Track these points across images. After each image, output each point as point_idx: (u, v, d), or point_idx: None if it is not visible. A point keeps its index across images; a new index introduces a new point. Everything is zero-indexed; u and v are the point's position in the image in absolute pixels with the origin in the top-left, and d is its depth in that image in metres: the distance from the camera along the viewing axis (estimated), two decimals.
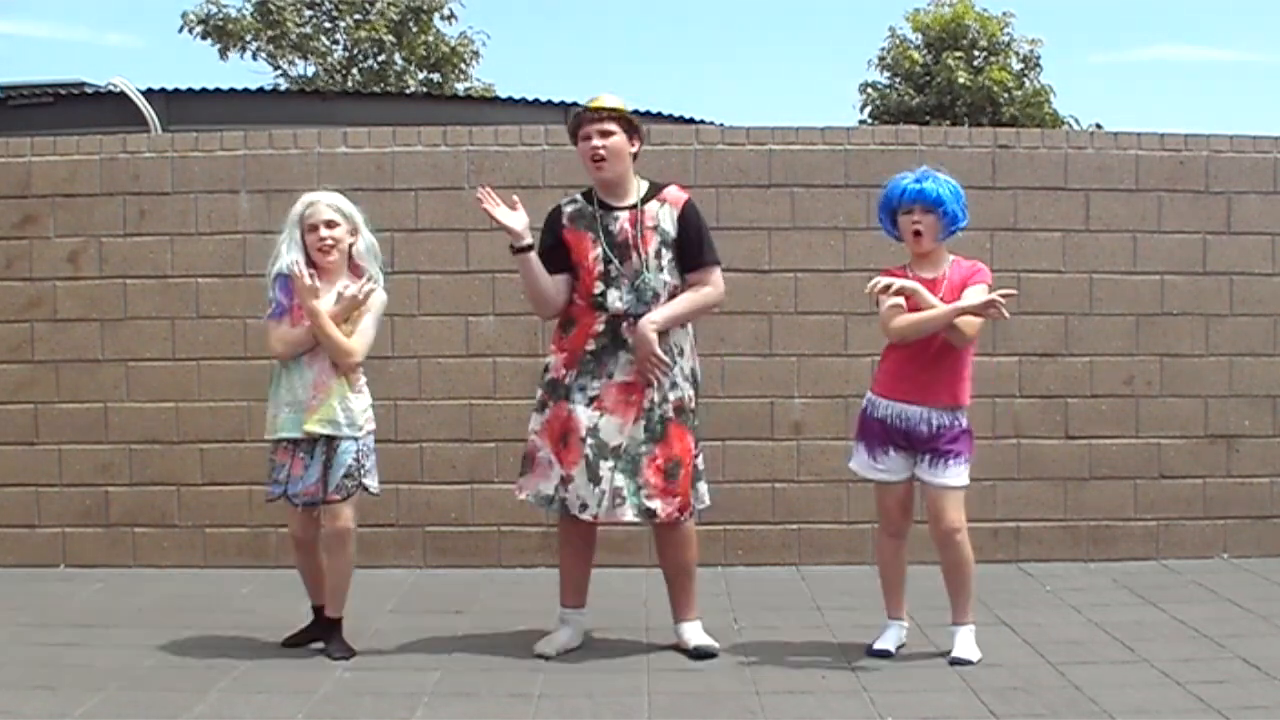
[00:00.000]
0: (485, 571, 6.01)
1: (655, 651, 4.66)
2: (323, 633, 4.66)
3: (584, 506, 4.51)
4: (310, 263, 4.52)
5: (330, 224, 4.52)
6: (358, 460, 4.52)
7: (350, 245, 4.57)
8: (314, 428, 4.47)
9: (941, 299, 4.38)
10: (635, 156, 4.61)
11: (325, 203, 4.55)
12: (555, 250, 4.58)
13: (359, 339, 4.52)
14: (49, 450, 6.11)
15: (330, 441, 4.50)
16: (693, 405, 4.59)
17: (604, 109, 4.55)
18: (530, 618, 5.07)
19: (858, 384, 5.95)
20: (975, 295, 4.36)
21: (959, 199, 4.47)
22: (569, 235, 4.58)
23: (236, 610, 5.29)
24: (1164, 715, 3.90)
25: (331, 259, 4.52)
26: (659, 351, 4.45)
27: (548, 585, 5.63)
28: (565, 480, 4.52)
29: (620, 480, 4.45)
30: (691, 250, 4.55)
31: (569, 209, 4.61)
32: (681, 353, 4.57)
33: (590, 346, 4.52)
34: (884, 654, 4.53)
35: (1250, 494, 6.20)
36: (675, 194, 4.62)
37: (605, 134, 4.52)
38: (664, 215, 4.56)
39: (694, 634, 4.64)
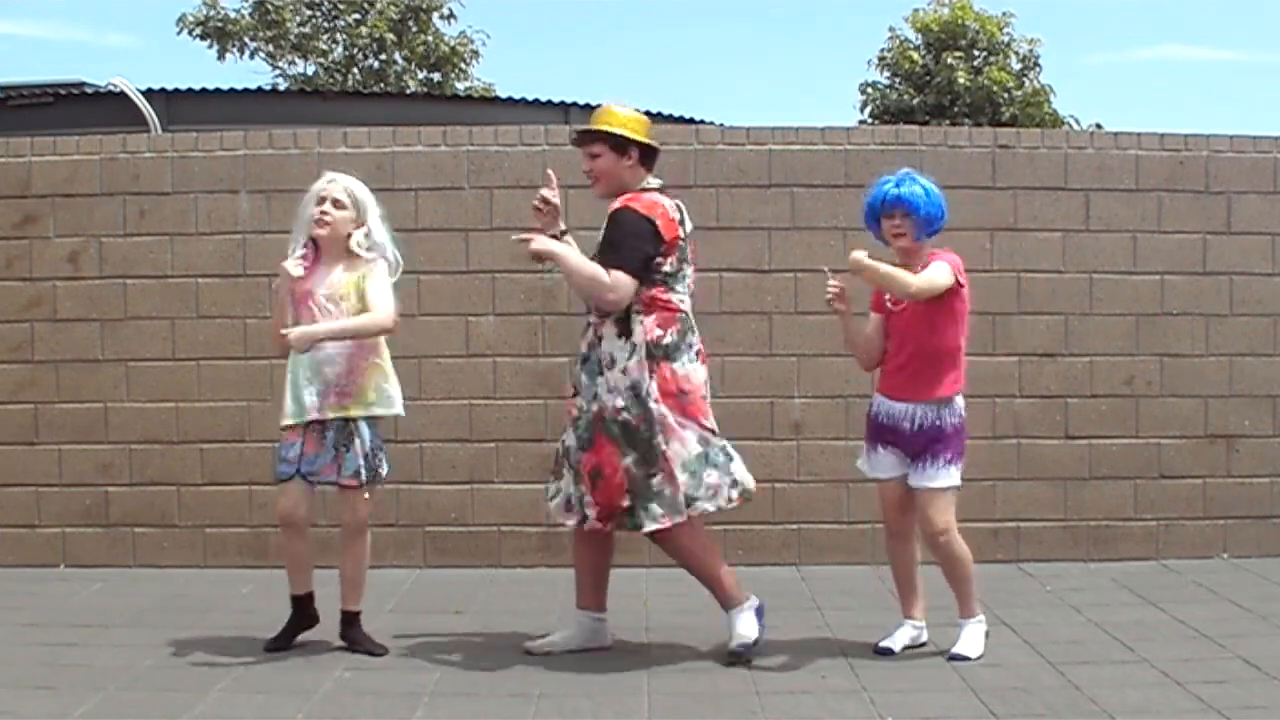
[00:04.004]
0: (485, 571, 6.01)
1: (655, 651, 4.66)
2: (343, 630, 4.66)
3: (549, 496, 4.75)
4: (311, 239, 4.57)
5: (337, 203, 4.53)
6: (374, 445, 4.56)
7: (349, 234, 4.55)
8: (356, 411, 4.51)
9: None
10: (646, 163, 4.56)
11: (342, 184, 4.58)
12: None
13: (379, 306, 4.50)
14: (49, 450, 6.11)
15: (347, 425, 4.52)
16: (621, 418, 4.40)
17: (588, 131, 4.55)
18: (530, 618, 5.07)
19: (858, 384, 5.96)
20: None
21: (935, 201, 4.53)
22: None
23: (236, 610, 5.28)
24: (1164, 715, 3.90)
25: (322, 233, 4.52)
26: (546, 249, 4.43)
27: (548, 585, 5.64)
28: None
29: (571, 486, 4.57)
30: (601, 250, 4.47)
31: None
32: (611, 363, 4.44)
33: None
34: (886, 652, 4.55)
35: (1250, 494, 6.20)
36: (618, 203, 4.49)
37: (592, 156, 4.53)
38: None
39: (743, 624, 4.55)
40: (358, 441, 4.54)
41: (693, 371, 4.51)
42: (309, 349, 4.46)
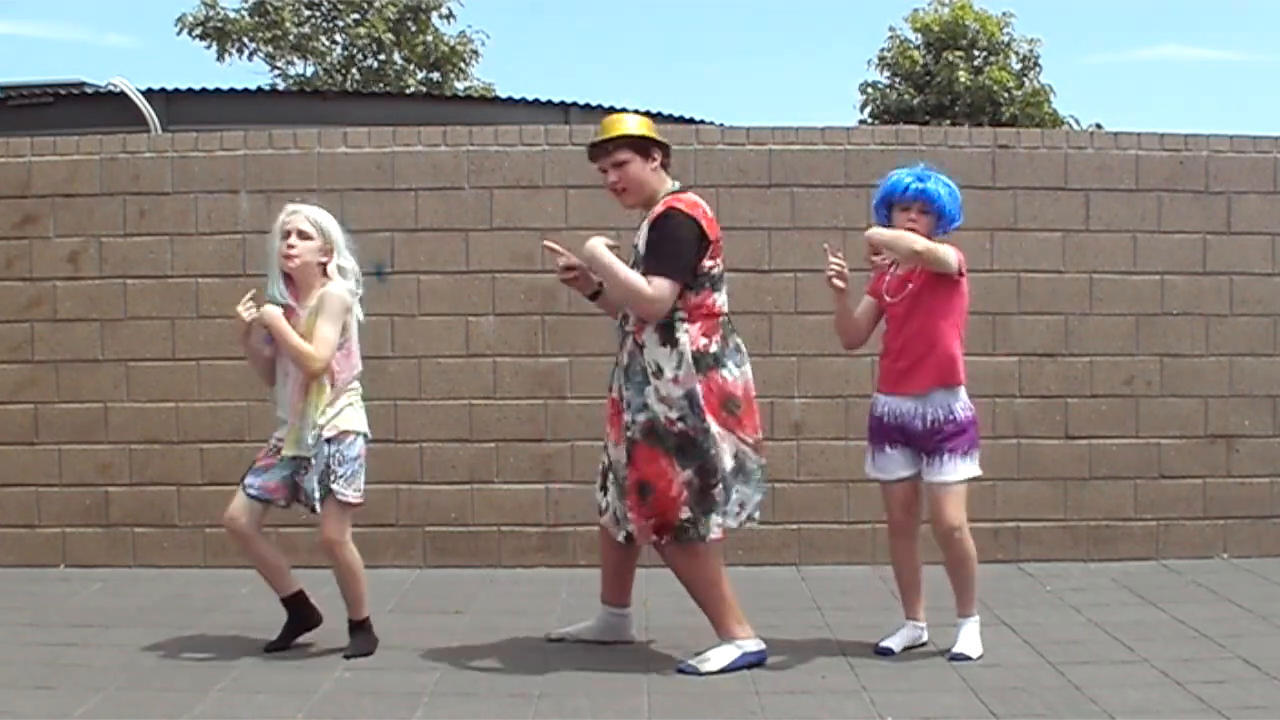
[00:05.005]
0: (485, 571, 6.01)
1: (655, 651, 4.65)
2: (350, 632, 4.65)
3: (600, 511, 4.62)
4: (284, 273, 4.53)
5: (303, 234, 4.47)
6: (328, 467, 4.48)
7: (323, 264, 4.50)
8: (288, 451, 4.51)
9: (916, 286, 4.50)
10: (665, 164, 4.49)
11: (305, 214, 4.52)
12: None
13: (318, 343, 4.41)
14: (49, 450, 6.11)
15: (300, 457, 4.52)
16: (677, 429, 4.28)
17: (609, 139, 4.41)
18: (530, 618, 5.07)
19: (858, 384, 5.97)
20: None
21: (956, 201, 4.57)
22: None
23: (236, 610, 5.28)
24: (1164, 715, 3.90)
25: (292, 265, 4.48)
26: (595, 255, 4.37)
27: (548, 585, 5.66)
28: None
29: (615, 500, 4.48)
30: (646, 256, 4.34)
31: None
32: (658, 373, 4.30)
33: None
34: (886, 652, 4.54)
35: (1250, 494, 6.20)
36: (661, 206, 4.37)
37: (619, 164, 4.40)
38: (643, 227, 4.41)
39: (719, 654, 4.39)
40: (314, 468, 4.49)
41: (741, 375, 4.39)
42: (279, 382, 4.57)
